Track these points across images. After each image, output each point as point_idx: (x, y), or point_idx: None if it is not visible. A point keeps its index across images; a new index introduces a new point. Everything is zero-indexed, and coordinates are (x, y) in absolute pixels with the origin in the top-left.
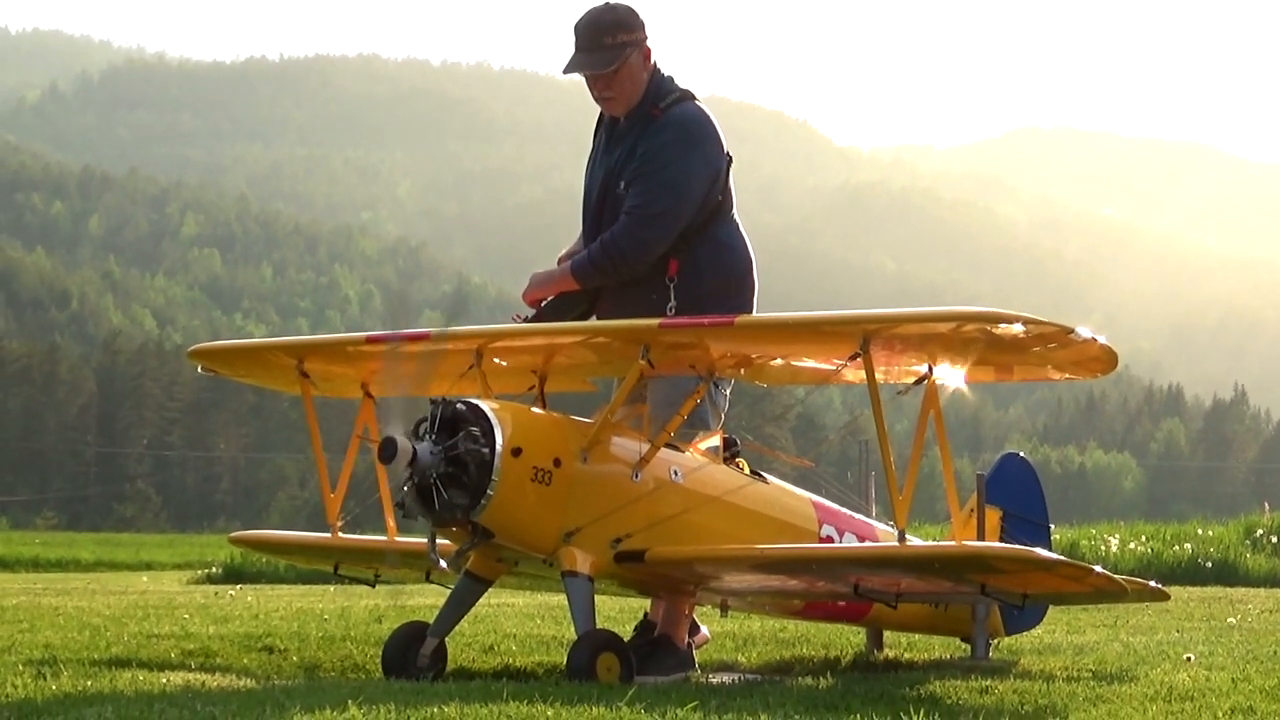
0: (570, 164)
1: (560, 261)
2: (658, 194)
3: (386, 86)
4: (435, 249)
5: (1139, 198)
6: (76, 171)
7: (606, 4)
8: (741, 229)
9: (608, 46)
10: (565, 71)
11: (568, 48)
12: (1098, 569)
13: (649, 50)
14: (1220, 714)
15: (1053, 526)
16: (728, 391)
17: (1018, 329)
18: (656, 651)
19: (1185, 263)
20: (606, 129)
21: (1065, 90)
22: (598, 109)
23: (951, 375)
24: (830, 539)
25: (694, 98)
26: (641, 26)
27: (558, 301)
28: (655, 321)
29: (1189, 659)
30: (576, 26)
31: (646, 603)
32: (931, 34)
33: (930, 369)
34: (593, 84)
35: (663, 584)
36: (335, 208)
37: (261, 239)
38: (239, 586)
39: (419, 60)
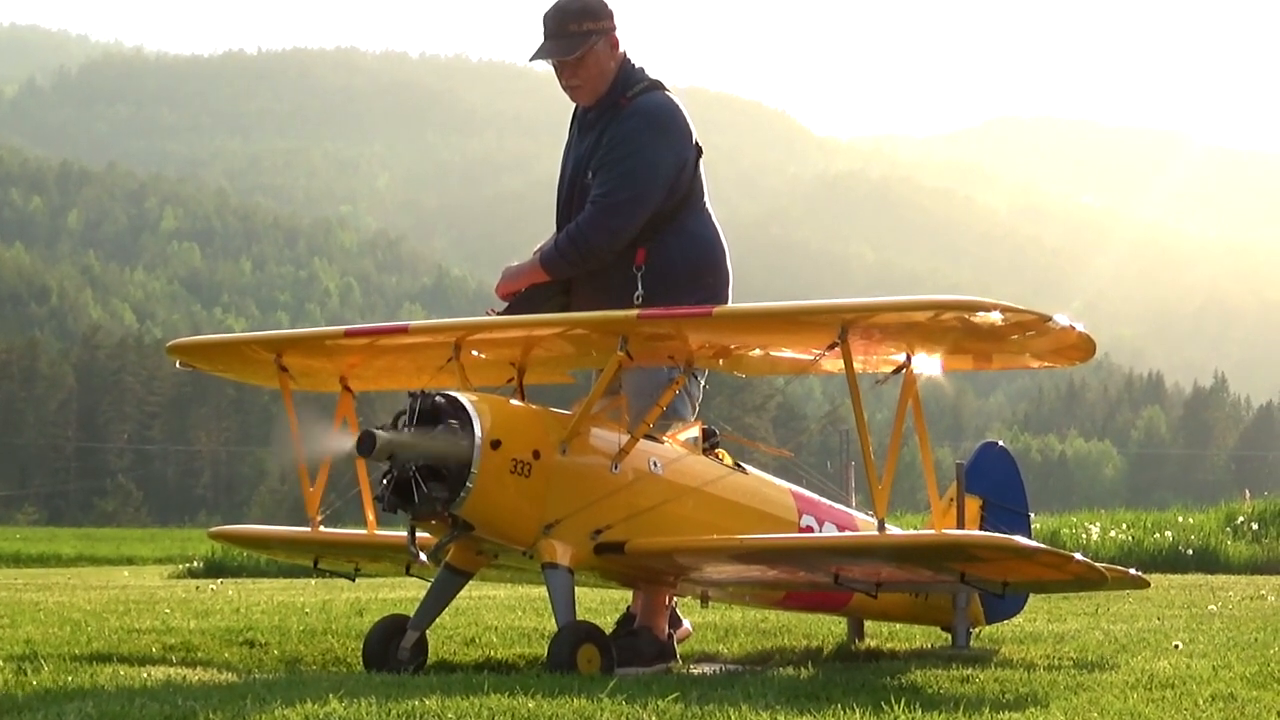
0: (549, 154)
1: (535, 254)
2: (623, 181)
3: (365, 79)
4: (415, 241)
5: (1118, 185)
6: (55, 166)
7: None
8: (714, 219)
9: (573, 34)
10: (531, 59)
11: (539, 38)
12: (1078, 557)
13: (617, 39)
14: (1201, 701)
15: (1033, 515)
16: (703, 381)
17: (995, 317)
18: (637, 643)
19: (1165, 250)
20: (578, 120)
21: (1044, 78)
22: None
23: (930, 364)
24: (810, 529)
25: (663, 87)
26: (609, 16)
27: (530, 294)
28: (633, 313)
29: (1177, 646)
30: (544, 15)
31: (628, 594)
32: (910, 23)
33: (908, 358)
34: (559, 72)
35: (643, 575)
36: (314, 201)
37: (241, 232)
38: (220, 581)
39: (397, 52)
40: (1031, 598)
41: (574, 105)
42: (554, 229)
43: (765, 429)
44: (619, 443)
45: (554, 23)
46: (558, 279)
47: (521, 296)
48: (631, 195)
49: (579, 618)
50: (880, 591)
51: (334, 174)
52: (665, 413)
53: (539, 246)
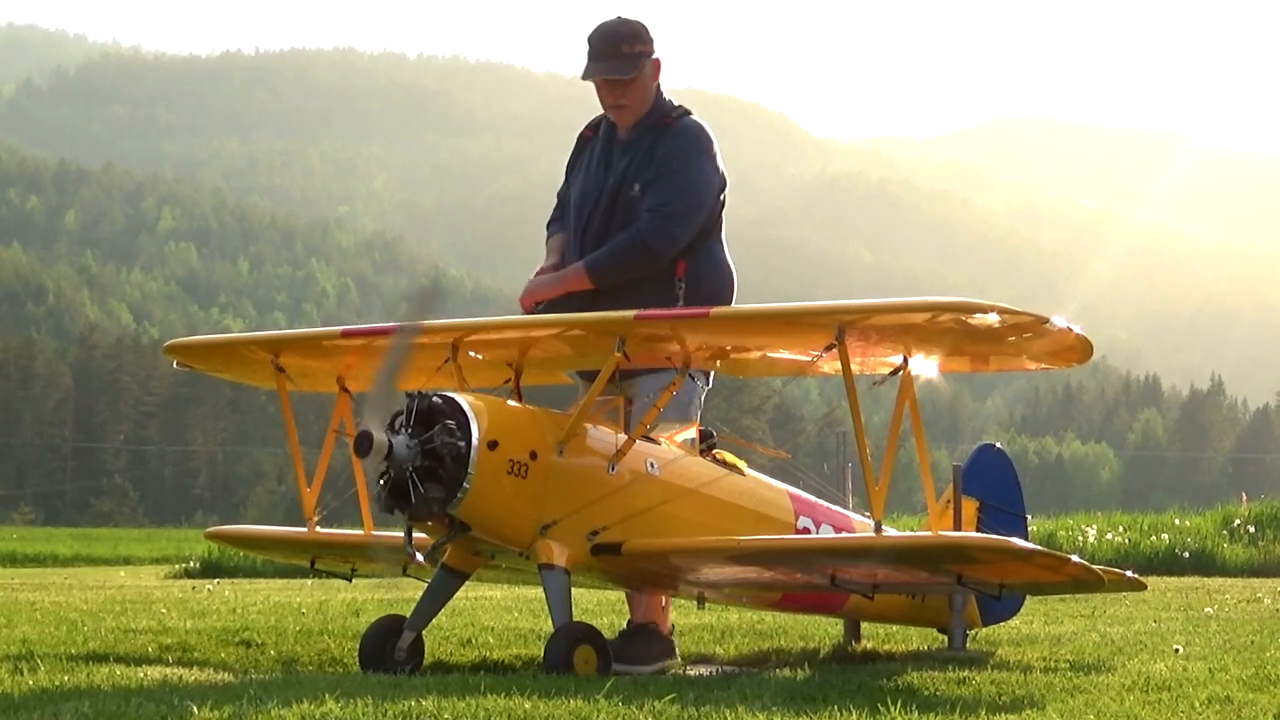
0: (547, 156)
1: (540, 274)
2: (682, 193)
3: (363, 80)
4: (412, 242)
5: (1116, 188)
6: (52, 166)
7: (620, 17)
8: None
9: (625, 55)
10: (584, 78)
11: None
12: (1074, 559)
13: (659, 63)
14: (1198, 704)
15: (1030, 517)
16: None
17: (993, 319)
18: (638, 640)
19: (1162, 253)
20: (604, 139)
21: (1043, 81)
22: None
23: (927, 366)
24: (807, 530)
25: (691, 113)
26: (653, 41)
27: (556, 305)
28: (630, 313)
29: (1178, 650)
30: (592, 37)
31: (623, 594)
32: (909, 25)
33: (906, 360)
34: (607, 91)
35: (638, 577)
36: (312, 201)
37: (238, 233)
38: (216, 581)
39: (395, 53)
40: (1028, 600)
41: (583, 129)
42: (548, 235)
43: (762, 430)
44: (616, 444)
45: (605, 44)
46: (601, 286)
47: (547, 307)
48: (688, 207)
49: (575, 619)
50: (877, 593)
51: (331, 175)
52: (686, 415)
53: (546, 265)
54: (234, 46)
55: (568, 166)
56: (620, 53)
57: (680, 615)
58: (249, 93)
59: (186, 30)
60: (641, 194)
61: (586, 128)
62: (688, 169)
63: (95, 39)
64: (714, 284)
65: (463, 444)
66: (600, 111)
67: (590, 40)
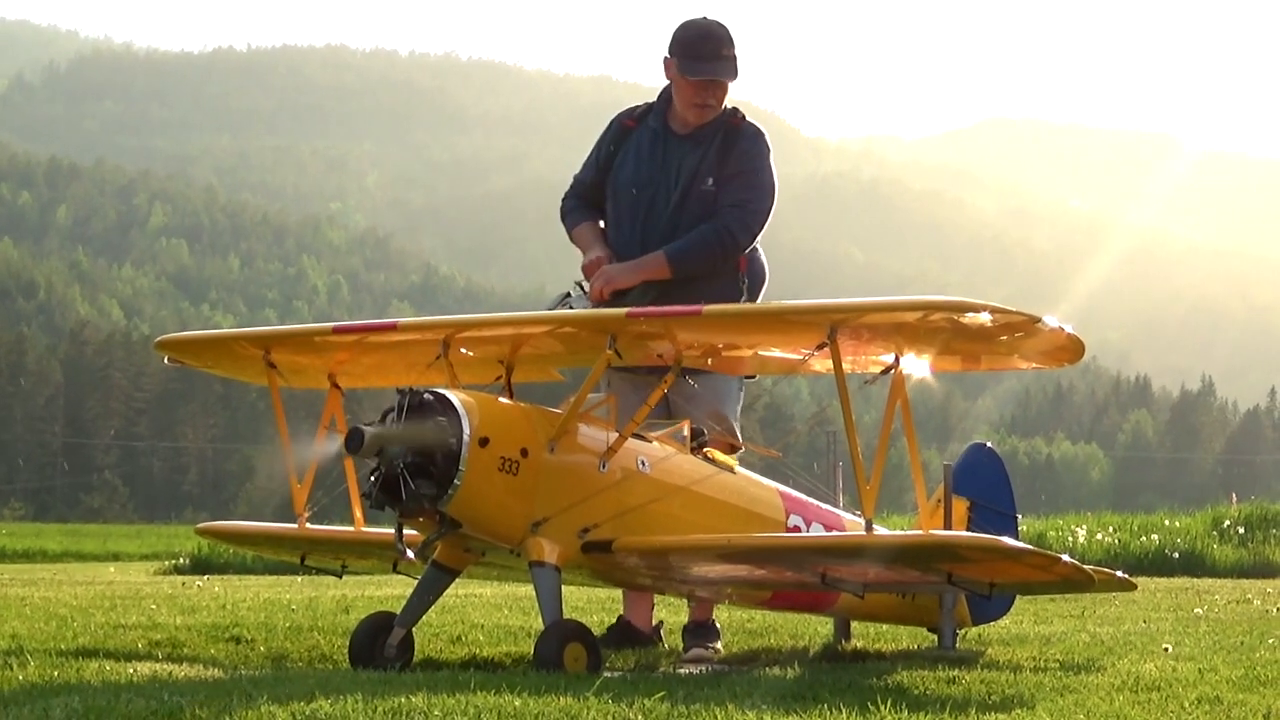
0: (538, 153)
1: (589, 267)
2: (762, 192)
3: (354, 77)
4: (403, 239)
5: (1108, 189)
6: (44, 161)
7: (709, 19)
8: None
9: (726, 58)
10: (692, 76)
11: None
12: (1065, 558)
13: None
14: (1187, 704)
15: (1020, 517)
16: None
17: (984, 318)
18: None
19: (1153, 254)
20: (656, 132)
21: (1034, 81)
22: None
23: (918, 365)
24: (797, 529)
25: None
26: None
27: (632, 294)
28: (623, 311)
29: (1167, 651)
30: (688, 36)
31: (616, 593)
32: (901, 24)
33: (897, 358)
34: (700, 90)
35: (628, 575)
36: (303, 198)
37: (229, 229)
38: (206, 577)
39: (387, 50)
40: (1018, 599)
41: (617, 118)
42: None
43: (753, 429)
44: (607, 441)
45: (710, 45)
46: (679, 276)
47: (627, 296)
48: (766, 206)
49: (565, 616)
50: (867, 592)
51: (323, 171)
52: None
53: (598, 255)
54: (226, 43)
55: (600, 154)
56: (723, 55)
57: (670, 613)
58: (241, 89)
59: (179, 26)
60: (715, 189)
61: (628, 117)
62: (765, 170)
63: (87, 35)
64: (762, 280)
65: (454, 440)
66: (632, 104)
67: (688, 39)
